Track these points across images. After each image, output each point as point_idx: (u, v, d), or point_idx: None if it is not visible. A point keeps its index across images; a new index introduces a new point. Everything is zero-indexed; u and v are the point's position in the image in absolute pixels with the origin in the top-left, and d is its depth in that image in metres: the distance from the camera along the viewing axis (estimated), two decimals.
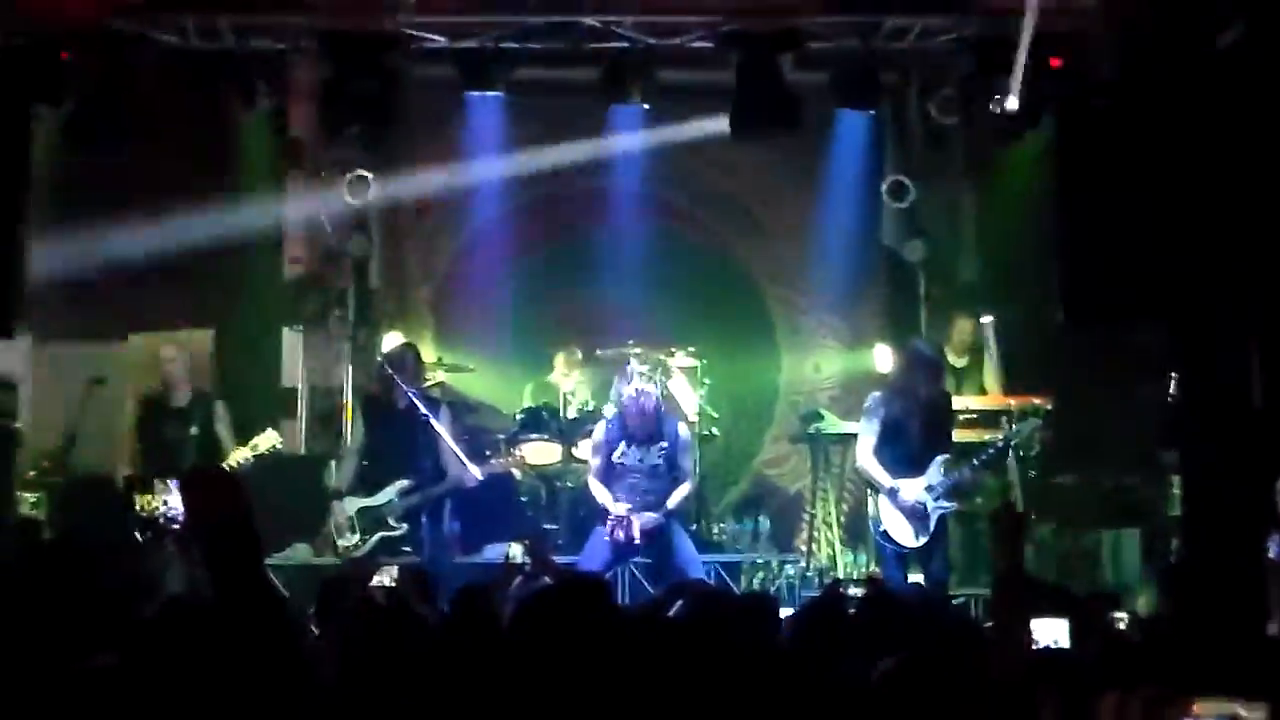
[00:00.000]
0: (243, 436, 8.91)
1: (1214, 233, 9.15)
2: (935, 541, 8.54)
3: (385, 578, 6.65)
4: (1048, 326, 10.81)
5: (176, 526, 8.31)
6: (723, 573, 9.75)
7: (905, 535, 8.54)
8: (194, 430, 8.88)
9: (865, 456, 8.68)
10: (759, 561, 10.26)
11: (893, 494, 8.52)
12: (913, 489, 8.50)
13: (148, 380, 9.30)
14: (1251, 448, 8.79)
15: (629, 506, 8.61)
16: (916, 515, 8.51)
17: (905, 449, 8.58)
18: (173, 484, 8.40)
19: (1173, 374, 9.76)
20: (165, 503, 8.46)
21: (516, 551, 7.21)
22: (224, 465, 8.39)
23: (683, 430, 8.98)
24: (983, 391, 10.76)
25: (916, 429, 8.59)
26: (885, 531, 8.56)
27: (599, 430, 8.99)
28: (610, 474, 8.77)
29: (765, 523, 10.95)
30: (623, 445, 8.77)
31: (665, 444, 8.77)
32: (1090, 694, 1.96)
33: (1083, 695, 1.95)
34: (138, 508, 8.49)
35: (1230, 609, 6.48)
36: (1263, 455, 8.56)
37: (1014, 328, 11.14)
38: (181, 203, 10.52)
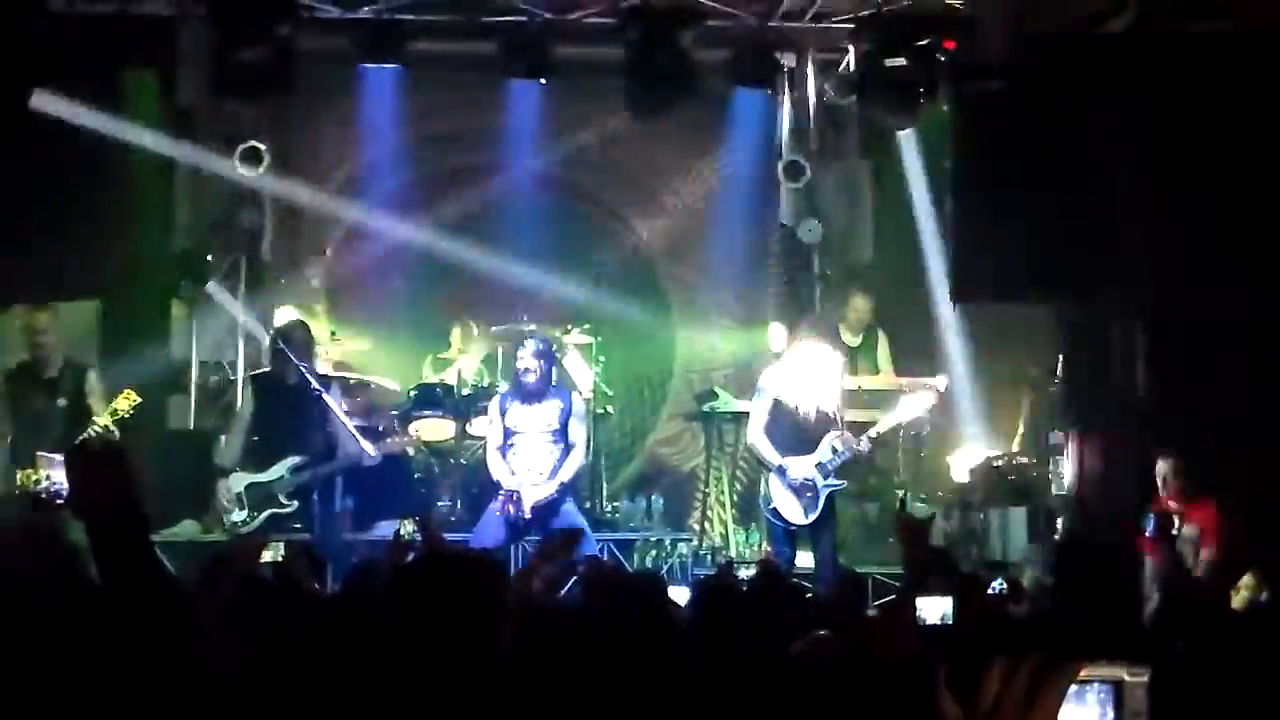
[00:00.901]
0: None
1: (1103, 216, 9.32)
2: (824, 519, 8.59)
3: (271, 554, 6.56)
4: (937, 307, 10.96)
5: (60, 501, 8.12)
6: (616, 550, 9.77)
7: (794, 513, 8.58)
8: (62, 401, 8.67)
9: (756, 434, 8.72)
10: (652, 540, 10.28)
11: (781, 472, 8.56)
12: (801, 467, 8.54)
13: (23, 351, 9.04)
14: (1135, 428, 8.97)
15: (518, 483, 8.59)
16: (806, 493, 8.55)
17: (795, 431, 8.62)
18: (55, 458, 8.20)
19: (1061, 355, 9.92)
20: (48, 477, 8.26)
21: (408, 528, 7.13)
22: (100, 436, 8.19)
23: (576, 400, 8.98)
24: (875, 370, 10.86)
25: (808, 415, 8.62)
26: (775, 509, 8.60)
27: (493, 404, 8.96)
28: (505, 442, 8.73)
29: (659, 501, 10.97)
30: (515, 404, 8.73)
31: (561, 405, 8.75)
32: (977, 663, 1.97)
33: (970, 664, 1.96)
34: (18, 482, 8.28)
35: (1111, 585, 6.60)
36: (1145, 435, 8.74)
37: (905, 306, 11.25)
38: (70, 172, 10.25)
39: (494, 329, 10.86)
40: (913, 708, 3.41)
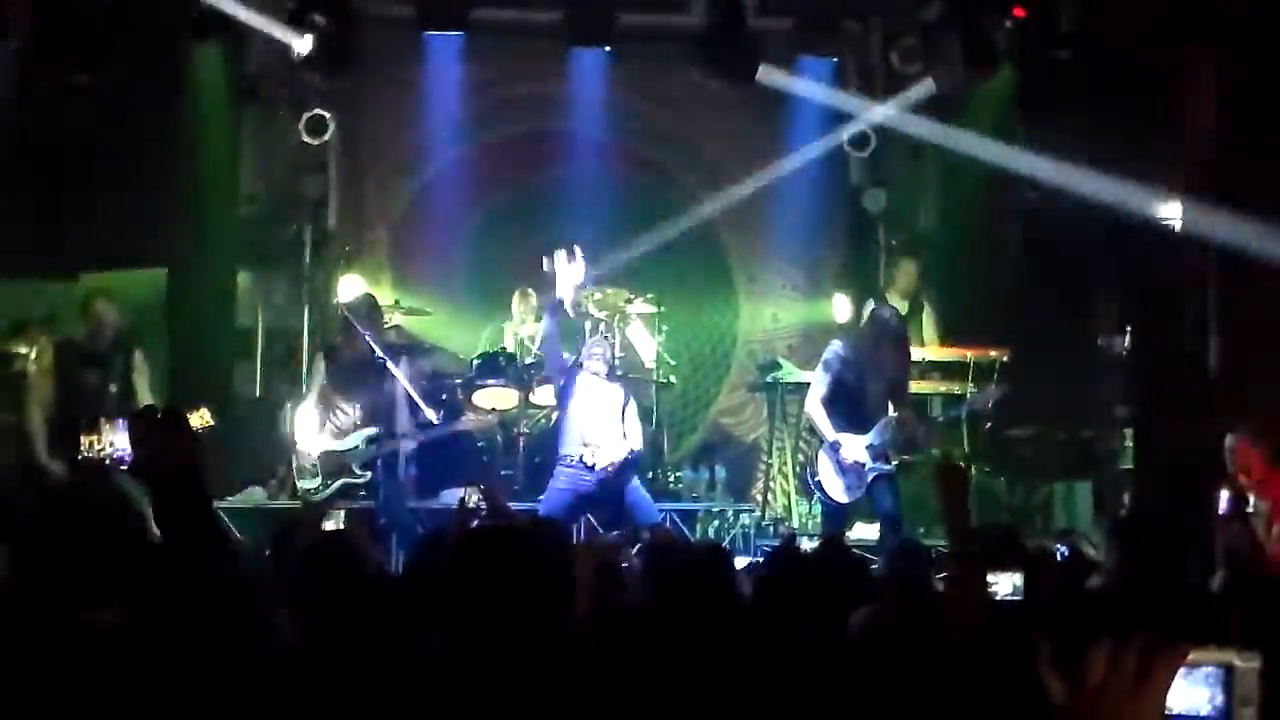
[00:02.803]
0: (176, 388, 8.74)
1: (1172, 181, 9.19)
2: (882, 495, 8.50)
3: (333, 522, 6.63)
4: (1006, 276, 10.86)
5: (124, 467, 8.20)
6: (679, 521, 9.76)
7: (836, 489, 8.50)
8: (113, 384, 8.67)
9: (814, 405, 8.64)
10: (714, 510, 10.27)
11: (834, 448, 8.49)
12: (854, 447, 8.45)
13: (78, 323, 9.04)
14: (1203, 403, 8.86)
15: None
16: (853, 473, 8.48)
17: (855, 406, 8.54)
18: (120, 424, 8.28)
19: (1128, 328, 9.81)
20: (112, 443, 8.34)
21: (472, 496, 7.14)
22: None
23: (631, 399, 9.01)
24: (920, 341, 10.76)
25: (871, 390, 8.53)
26: (820, 482, 8.55)
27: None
28: (564, 405, 8.80)
29: (721, 472, 10.94)
30: (581, 376, 8.78)
31: (623, 393, 8.77)
32: (1083, 641, 1.95)
33: (1076, 643, 1.94)
34: (84, 447, 8.36)
35: (1178, 561, 6.52)
36: (1214, 410, 8.62)
37: (970, 275, 11.16)
38: (137, 139, 10.34)
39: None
40: (994, 681, 3.40)
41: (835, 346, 8.74)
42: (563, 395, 8.86)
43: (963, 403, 9.58)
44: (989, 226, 11.23)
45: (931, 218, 11.90)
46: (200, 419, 8.30)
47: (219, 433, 9.68)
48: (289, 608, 4.26)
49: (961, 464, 5.90)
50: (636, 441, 8.77)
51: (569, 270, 8.61)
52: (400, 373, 8.54)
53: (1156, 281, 9.56)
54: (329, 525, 6.39)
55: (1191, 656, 2.00)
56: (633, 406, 8.89)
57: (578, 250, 8.63)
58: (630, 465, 8.71)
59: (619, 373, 9.09)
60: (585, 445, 8.62)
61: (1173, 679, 1.93)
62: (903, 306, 10.84)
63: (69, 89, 9.76)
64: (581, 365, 8.85)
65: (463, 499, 7.38)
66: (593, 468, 8.57)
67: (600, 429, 8.69)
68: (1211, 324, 9.07)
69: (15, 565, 4.41)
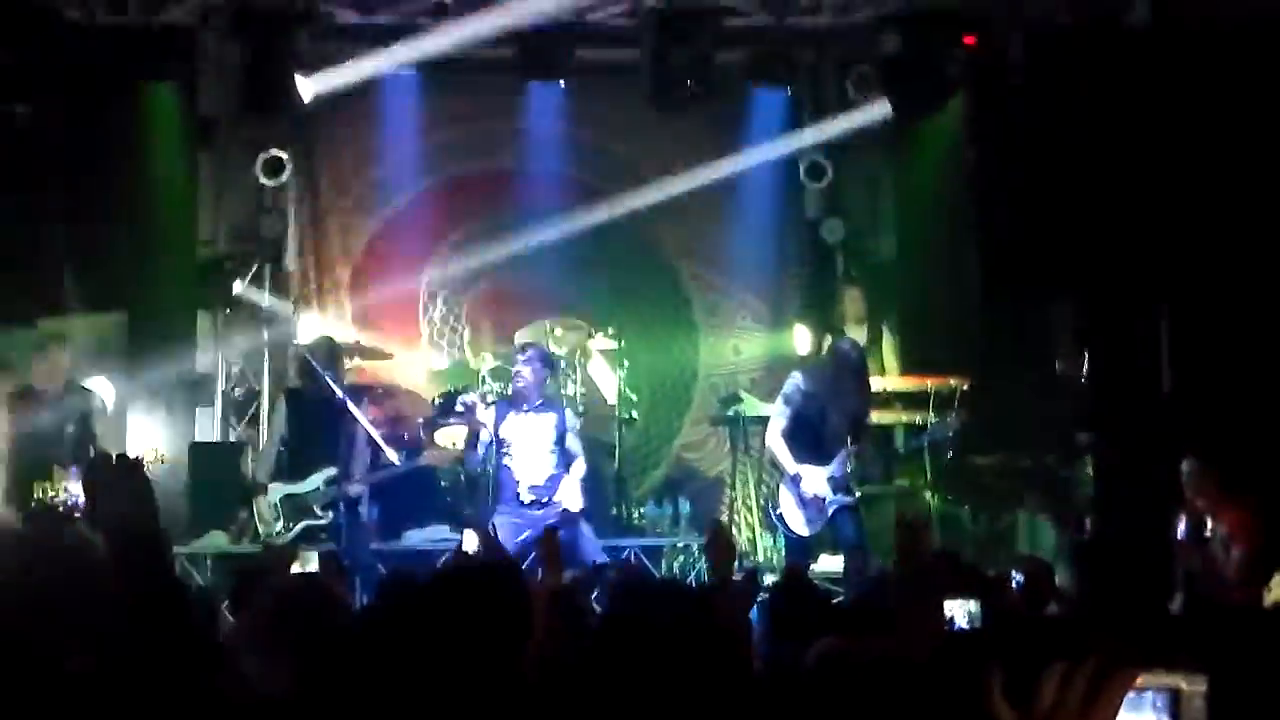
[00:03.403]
0: (135, 434, 8.68)
1: (1128, 211, 9.26)
2: (843, 526, 8.51)
3: (303, 565, 6.56)
4: (965, 303, 10.92)
5: (78, 515, 8.13)
6: (642, 556, 9.75)
7: (798, 522, 8.53)
8: (70, 426, 8.61)
9: (774, 438, 8.67)
10: (679, 545, 10.25)
11: (795, 480, 8.51)
12: (815, 479, 8.48)
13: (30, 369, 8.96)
14: (1161, 428, 8.91)
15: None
16: (814, 506, 8.50)
17: (816, 438, 8.57)
18: (73, 472, 8.22)
19: (1085, 354, 9.86)
20: (65, 489, 8.27)
21: (470, 541, 7.12)
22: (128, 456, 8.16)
23: (569, 415, 8.89)
24: (881, 369, 10.82)
25: (831, 422, 8.56)
26: (781, 515, 8.57)
27: (488, 414, 8.86)
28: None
29: (685, 506, 10.92)
30: (511, 414, 8.67)
31: (557, 418, 8.69)
32: (1035, 666, 1.97)
33: (1031, 669, 1.96)
34: (36, 495, 8.28)
35: (1138, 585, 6.57)
36: (1171, 436, 8.68)
37: (930, 304, 11.21)
38: (92, 182, 10.30)
39: (517, 334, 10.83)
40: (952, 711, 3.40)
41: (795, 379, 8.77)
42: (495, 438, 8.70)
43: (924, 433, 9.62)
44: (947, 254, 11.29)
45: (890, 247, 11.95)
46: (154, 455, 8.27)
47: (179, 478, 9.65)
48: (260, 654, 4.24)
49: (921, 521, 5.92)
50: (576, 490, 8.61)
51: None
52: (361, 414, 8.51)
53: (1110, 302, 9.63)
54: (298, 568, 6.33)
55: (1139, 680, 2.02)
56: (572, 432, 8.75)
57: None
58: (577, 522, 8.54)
59: (543, 400, 8.86)
60: (520, 485, 8.53)
61: (1120, 703, 1.95)
62: (861, 335, 10.90)
63: (17, 129, 9.67)
64: (508, 405, 8.77)
65: (460, 544, 7.37)
66: (530, 504, 8.48)
67: (534, 464, 8.58)
68: (1164, 346, 9.13)
69: None
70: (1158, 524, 7.47)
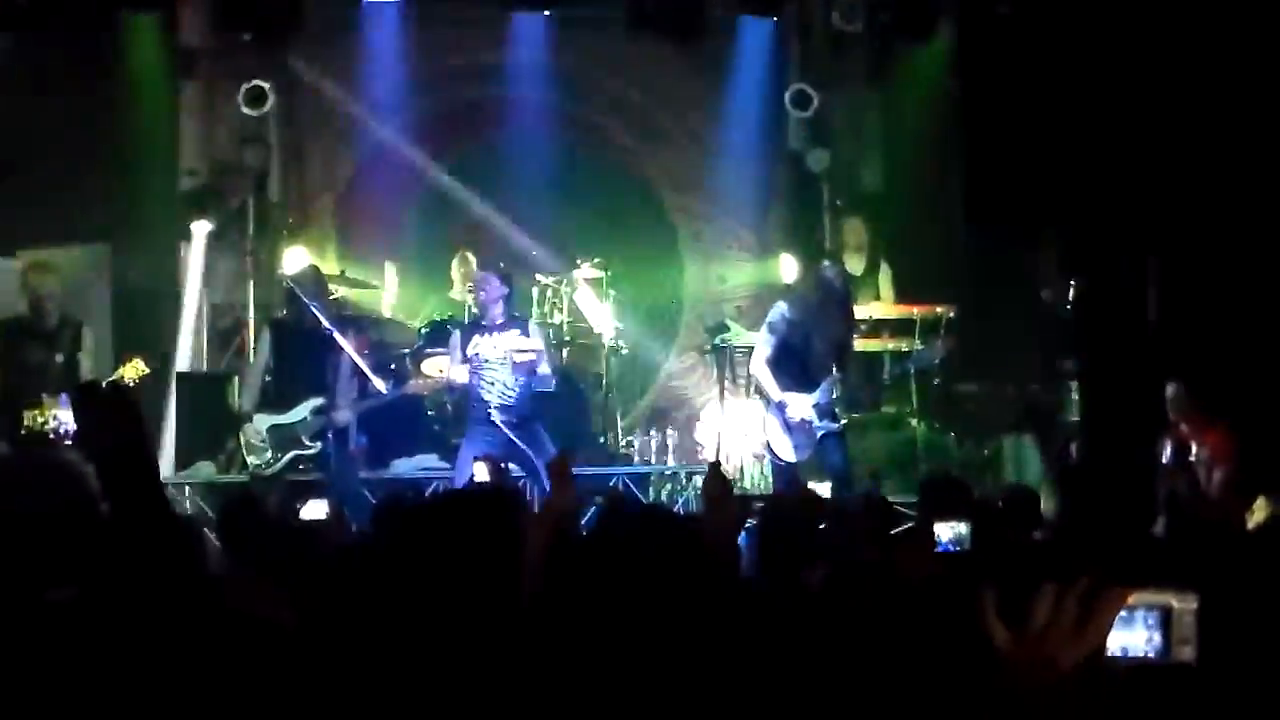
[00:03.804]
0: (121, 363, 8.64)
1: (1114, 142, 9.26)
2: (830, 455, 8.56)
3: (317, 511, 6.58)
4: (951, 233, 10.94)
5: (69, 442, 8.13)
6: (630, 484, 9.79)
7: (785, 449, 8.57)
8: (59, 356, 8.58)
9: (759, 365, 8.69)
10: (667, 473, 10.30)
11: (780, 407, 8.55)
12: (801, 405, 8.52)
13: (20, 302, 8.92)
14: (1145, 353, 8.96)
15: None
16: (801, 431, 8.54)
17: (800, 367, 8.60)
18: (62, 399, 8.20)
19: (1072, 282, 9.89)
20: (55, 417, 8.25)
21: (482, 472, 7.13)
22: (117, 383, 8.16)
23: (532, 327, 8.86)
24: (877, 298, 10.84)
25: (816, 349, 8.59)
26: (767, 442, 8.61)
27: (453, 339, 8.89)
28: (473, 369, 8.62)
29: (673, 435, 10.96)
30: (475, 338, 8.67)
31: (519, 332, 8.65)
32: (1028, 589, 2.00)
33: (1022, 591, 1.99)
34: (26, 423, 8.27)
35: (1123, 509, 6.63)
36: (1156, 361, 8.72)
37: (917, 234, 11.22)
38: (74, 112, 10.22)
39: (501, 264, 10.80)
40: (947, 630, 3.45)
41: (780, 308, 8.78)
42: (463, 358, 8.70)
43: (909, 359, 9.65)
44: (934, 184, 11.29)
45: (875, 177, 11.94)
46: (134, 369, 8.25)
47: (164, 409, 9.63)
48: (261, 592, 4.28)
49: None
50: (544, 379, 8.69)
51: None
52: (347, 344, 8.49)
53: (1097, 232, 9.64)
54: (306, 515, 6.33)
55: (1130, 599, 2.05)
56: (536, 332, 8.79)
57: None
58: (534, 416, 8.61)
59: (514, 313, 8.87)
60: (491, 404, 8.54)
61: (1112, 622, 1.98)
62: (858, 266, 10.92)
63: None
64: (475, 323, 8.78)
65: (472, 477, 7.38)
66: (500, 423, 8.48)
67: (500, 382, 8.58)
68: (1150, 273, 9.17)
69: None
70: (1142, 448, 7.53)
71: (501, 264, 9.28)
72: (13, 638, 3.15)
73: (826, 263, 9.10)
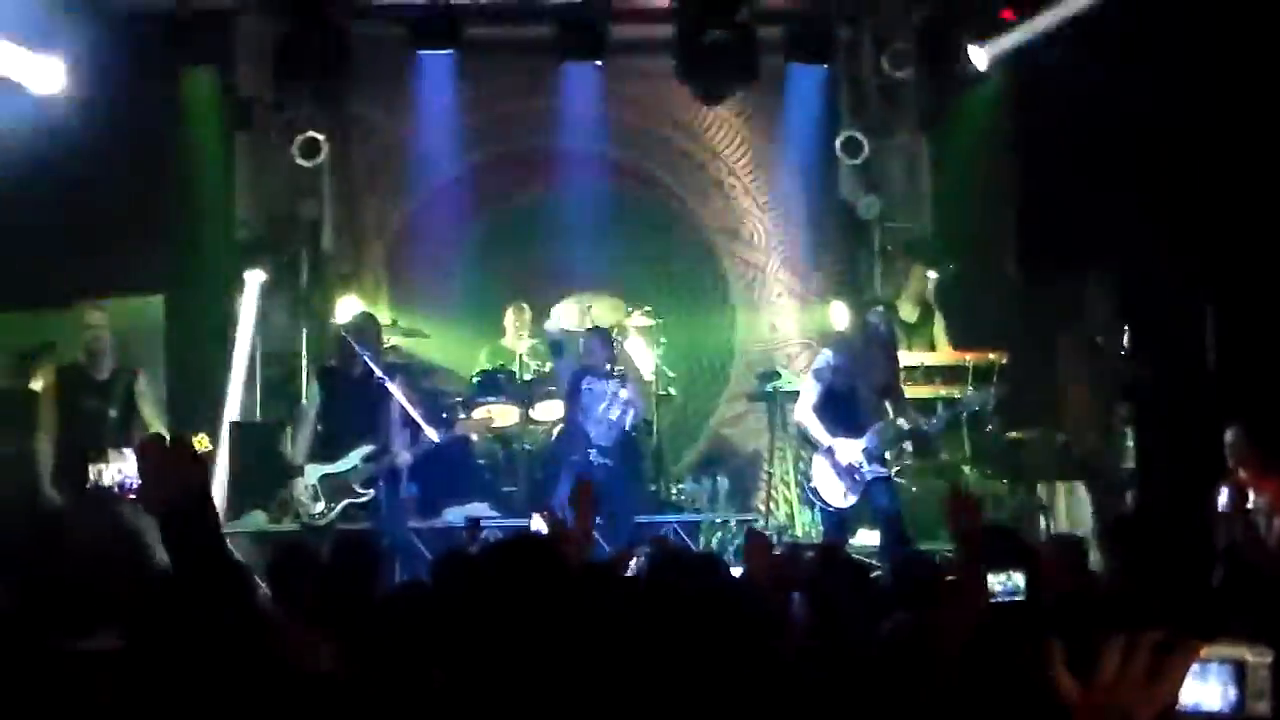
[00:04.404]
0: (176, 413, 8.72)
1: (1169, 188, 9.18)
2: (880, 501, 8.52)
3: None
4: (1003, 280, 10.87)
5: (133, 495, 8.20)
6: (681, 532, 9.76)
7: (835, 494, 8.54)
8: (113, 408, 8.66)
9: (805, 412, 8.70)
10: (717, 521, 10.26)
11: (829, 452, 8.53)
12: (850, 450, 8.50)
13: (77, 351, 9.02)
14: (1201, 400, 8.85)
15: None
16: (849, 475, 8.51)
17: (847, 412, 8.58)
18: (128, 452, 8.28)
19: (1126, 328, 9.80)
20: (120, 470, 8.33)
21: (538, 523, 7.17)
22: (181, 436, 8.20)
23: (631, 384, 9.62)
24: (932, 346, 10.79)
25: (862, 396, 8.58)
26: (815, 489, 8.58)
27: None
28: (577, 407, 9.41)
29: (724, 482, 10.92)
30: (589, 378, 9.32)
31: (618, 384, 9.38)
32: (1089, 642, 1.97)
33: (1083, 643, 1.96)
34: (92, 476, 8.35)
35: (1179, 559, 6.53)
36: (1213, 408, 8.61)
37: (969, 281, 11.16)
38: (132, 166, 10.36)
39: (553, 310, 10.83)
40: (1002, 682, 3.41)
41: (825, 355, 8.82)
42: (568, 399, 9.50)
43: (958, 403, 9.57)
44: (985, 230, 11.24)
45: (927, 224, 11.91)
46: (198, 444, 8.30)
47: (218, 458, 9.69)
48: (305, 636, 4.28)
49: (972, 494, 5.91)
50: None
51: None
52: (399, 391, 8.52)
53: (1152, 277, 9.55)
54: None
55: (1203, 652, 2.01)
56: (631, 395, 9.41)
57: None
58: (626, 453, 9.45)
59: (618, 370, 9.63)
60: (590, 447, 9.17)
61: (1185, 675, 1.94)
62: (912, 314, 10.88)
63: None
64: (583, 368, 9.33)
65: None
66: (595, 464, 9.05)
67: (603, 425, 9.25)
68: (1209, 320, 9.06)
69: (13, 596, 4.40)
70: (1198, 497, 7.41)
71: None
72: (50, 685, 3.16)
73: (874, 308, 9.10)
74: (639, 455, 10.23)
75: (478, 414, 9.91)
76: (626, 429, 9.44)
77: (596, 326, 10.03)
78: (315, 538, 8.13)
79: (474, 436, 9.63)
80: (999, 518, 9.47)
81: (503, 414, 10.30)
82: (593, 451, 9.25)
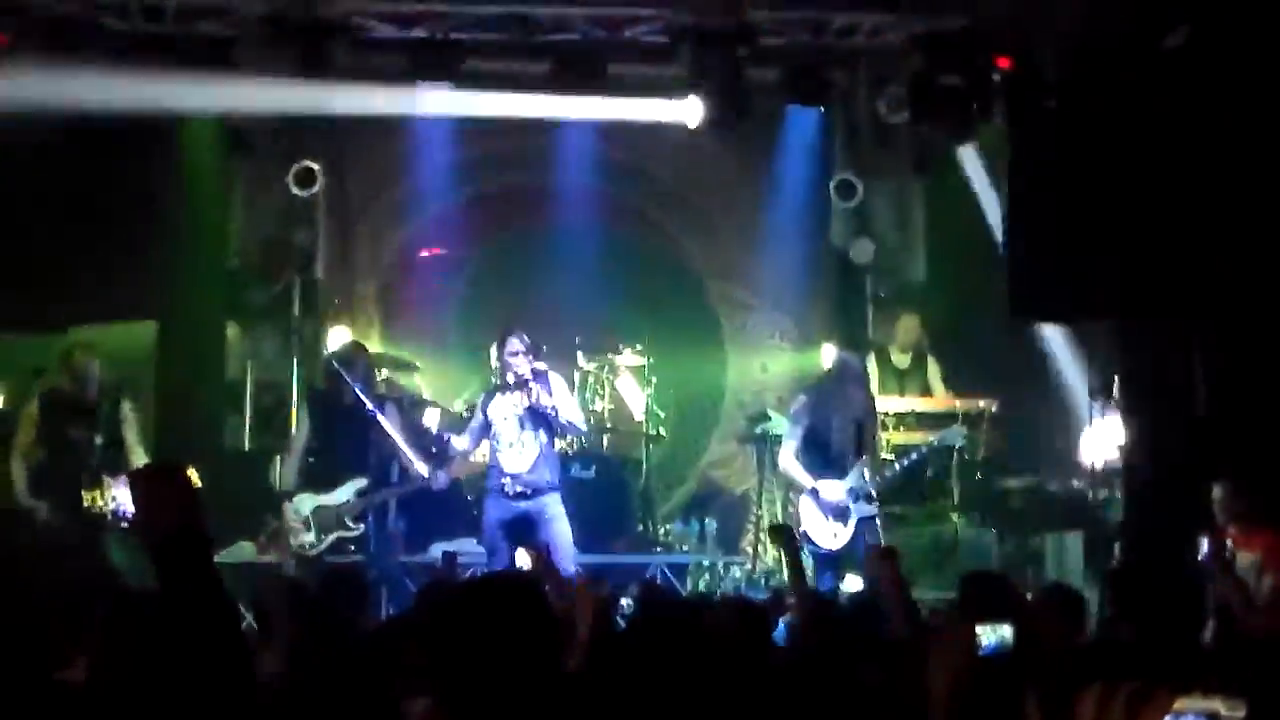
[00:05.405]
0: (165, 441, 8.68)
1: (1160, 235, 9.20)
2: (857, 543, 8.53)
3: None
4: (994, 327, 10.88)
5: (126, 524, 8.18)
6: (669, 574, 9.73)
7: (825, 537, 8.55)
8: (99, 435, 8.61)
9: (787, 459, 8.80)
10: (705, 563, 10.23)
11: (814, 494, 8.57)
12: (834, 490, 8.54)
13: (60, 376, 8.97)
14: (1193, 452, 8.84)
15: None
16: (837, 515, 8.53)
17: (827, 453, 8.64)
18: (120, 480, 8.26)
19: (1118, 377, 9.80)
20: (114, 499, 8.31)
21: (524, 560, 7.13)
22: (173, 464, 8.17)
23: (554, 377, 8.85)
24: (927, 392, 10.80)
25: (840, 434, 8.63)
26: (805, 533, 8.57)
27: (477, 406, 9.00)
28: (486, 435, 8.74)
29: (712, 524, 10.91)
30: (496, 397, 8.72)
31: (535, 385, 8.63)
32: (1071, 690, 1.97)
33: (1066, 693, 1.96)
34: (86, 504, 8.32)
35: (1169, 612, 6.50)
36: (1203, 460, 8.59)
37: (961, 327, 11.17)
38: (126, 191, 10.34)
39: (544, 348, 10.81)
40: None
41: (800, 400, 8.94)
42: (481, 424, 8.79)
43: (926, 447, 9.57)
44: (977, 276, 11.25)
45: (920, 269, 11.93)
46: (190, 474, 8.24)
47: (207, 487, 9.63)
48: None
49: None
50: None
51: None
52: (389, 424, 8.49)
53: (1143, 326, 9.56)
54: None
55: (1178, 704, 2.01)
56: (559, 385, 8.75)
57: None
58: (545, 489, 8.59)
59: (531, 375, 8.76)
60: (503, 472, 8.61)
61: None
62: (904, 359, 10.89)
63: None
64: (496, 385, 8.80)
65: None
66: (510, 494, 8.56)
67: (514, 449, 8.62)
68: (1198, 371, 9.06)
69: None
70: (1188, 550, 7.38)
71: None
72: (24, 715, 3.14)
73: (846, 349, 9.26)
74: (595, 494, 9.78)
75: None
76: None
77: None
78: (305, 569, 8.11)
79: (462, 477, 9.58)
80: (988, 566, 9.46)
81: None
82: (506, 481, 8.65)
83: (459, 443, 8.78)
